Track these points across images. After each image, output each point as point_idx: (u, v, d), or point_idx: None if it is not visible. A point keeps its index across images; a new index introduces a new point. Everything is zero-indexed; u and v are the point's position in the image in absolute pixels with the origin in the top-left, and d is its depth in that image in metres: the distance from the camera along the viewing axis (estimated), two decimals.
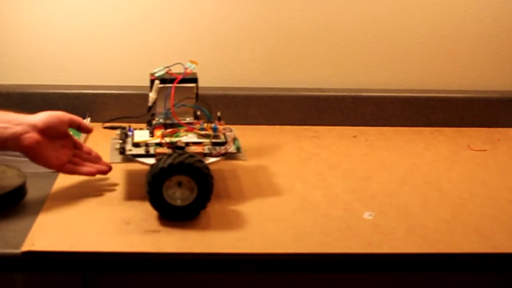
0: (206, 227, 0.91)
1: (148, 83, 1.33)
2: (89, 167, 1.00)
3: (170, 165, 0.89)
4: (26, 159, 1.06)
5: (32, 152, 0.93)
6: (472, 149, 1.25)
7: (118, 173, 1.06)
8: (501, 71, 1.39)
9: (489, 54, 1.37)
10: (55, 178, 1.04)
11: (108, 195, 1.00)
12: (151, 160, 0.95)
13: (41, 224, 0.90)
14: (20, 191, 0.96)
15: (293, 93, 1.33)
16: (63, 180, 1.04)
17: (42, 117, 0.94)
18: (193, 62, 1.04)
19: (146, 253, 0.85)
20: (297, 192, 1.04)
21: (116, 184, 1.03)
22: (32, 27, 1.28)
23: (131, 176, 1.06)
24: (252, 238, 0.89)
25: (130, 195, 1.00)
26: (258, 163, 1.13)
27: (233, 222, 0.93)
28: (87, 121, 1.25)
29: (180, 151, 0.91)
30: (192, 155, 0.90)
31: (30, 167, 1.05)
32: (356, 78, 1.37)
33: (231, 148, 1.00)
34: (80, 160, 1.00)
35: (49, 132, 0.94)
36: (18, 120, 0.92)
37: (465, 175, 1.13)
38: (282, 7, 1.31)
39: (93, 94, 1.29)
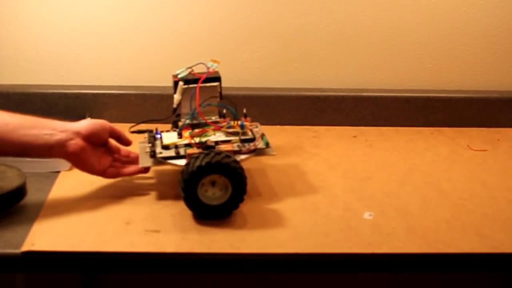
0: (206, 227, 0.91)
1: (148, 83, 1.33)
2: (130, 167, 1.02)
3: (199, 166, 0.89)
4: (26, 159, 1.06)
5: (76, 159, 0.95)
6: (472, 149, 1.25)
7: None
8: (501, 71, 1.39)
9: (489, 54, 1.37)
10: (55, 178, 1.04)
11: (108, 195, 1.00)
12: (182, 162, 0.96)
13: (41, 224, 0.90)
14: (20, 191, 0.96)
15: (293, 93, 1.33)
16: (63, 180, 1.04)
17: (85, 125, 0.96)
18: (215, 61, 1.04)
19: (146, 253, 0.85)
20: (297, 192, 1.04)
21: (116, 184, 1.03)
22: (32, 27, 1.28)
23: (131, 176, 1.06)
24: (252, 238, 0.89)
25: (131, 195, 1.00)
26: (258, 164, 1.12)
27: (233, 222, 0.93)
28: None
29: (214, 151, 0.92)
30: (227, 155, 0.91)
31: (30, 167, 1.05)
32: (356, 78, 1.37)
33: (260, 144, 1.00)
34: (120, 163, 1.02)
35: (92, 139, 0.96)
36: (63, 127, 0.94)
37: (465, 175, 1.13)
38: (282, 7, 1.30)
39: (93, 94, 1.29)
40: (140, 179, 1.05)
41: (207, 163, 0.89)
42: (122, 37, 1.30)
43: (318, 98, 1.33)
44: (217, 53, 1.32)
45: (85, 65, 1.32)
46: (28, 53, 1.30)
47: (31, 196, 0.98)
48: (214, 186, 0.92)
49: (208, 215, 0.92)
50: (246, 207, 0.97)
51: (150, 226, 0.91)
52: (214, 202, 0.92)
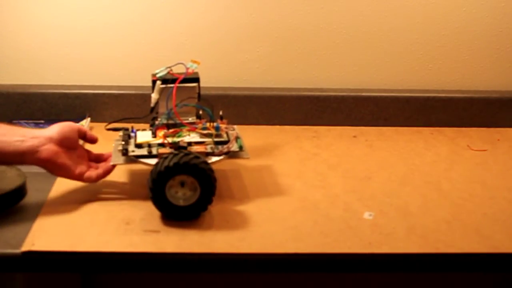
0: (206, 227, 0.91)
1: (148, 83, 1.33)
2: (100, 169, 0.99)
3: (167, 167, 0.89)
4: None
5: (51, 164, 0.93)
6: (472, 149, 1.25)
7: (118, 173, 1.06)
8: (501, 71, 1.39)
9: (489, 54, 1.37)
10: (55, 178, 1.04)
11: (108, 195, 1.00)
12: (154, 161, 0.95)
13: (41, 224, 0.90)
14: (20, 191, 0.96)
15: (293, 93, 1.33)
16: (63, 180, 1.04)
17: (55, 129, 0.95)
18: (194, 61, 1.04)
19: (146, 253, 0.85)
20: (297, 192, 1.04)
21: (116, 184, 1.03)
22: (32, 27, 1.28)
23: (131, 176, 1.06)
24: (252, 238, 0.89)
25: (131, 195, 1.00)
26: (258, 163, 1.13)
27: (233, 222, 0.93)
28: (87, 121, 1.25)
29: (184, 151, 0.92)
30: (196, 156, 0.91)
31: (30, 167, 1.05)
32: (356, 78, 1.37)
33: (234, 147, 1.00)
34: (94, 168, 1.00)
35: (64, 142, 0.95)
36: (33, 133, 0.92)
37: (465, 175, 1.13)
38: (282, 7, 1.31)
39: (93, 94, 1.29)
40: (140, 179, 1.05)
41: (175, 164, 0.89)
42: (122, 37, 1.30)
43: (318, 98, 1.33)
44: (217, 53, 1.32)
45: (85, 65, 1.32)
46: (28, 53, 1.30)
47: (31, 196, 0.98)
48: (184, 187, 0.91)
49: (176, 215, 0.92)
50: (245, 207, 0.97)
51: (150, 226, 0.91)
52: (182, 203, 0.91)
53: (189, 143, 0.99)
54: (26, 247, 0.84)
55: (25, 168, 1.02)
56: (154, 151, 0.98)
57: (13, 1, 1.27)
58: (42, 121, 1.26)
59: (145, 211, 0.95)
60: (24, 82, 1.31)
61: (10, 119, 1.26)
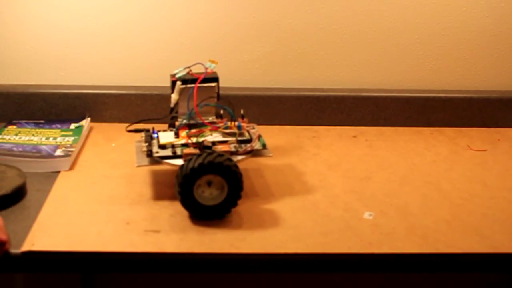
0: (206, 227, 0.91)
1: (148, 83, 1.33)
2: None
3: (192, 169, 0.89)
4: (26, 159, 1.07)
5: None
6: (472, 149, 1.25)
7: (118, 173, 1.07)
8: (501, 71, 1.39)
9: (489, 54, 1.37)
10: (55, 178, 1.04)
11: (108, 195, 1.00)
12: (179, 161, 0.96)
13: (41, 224, 0.90)
14: (20, 191, 0.96)
15: (293, 93, 1.33)
16: (63, 180, 1.04)
17: None
18: (212, 61, 1.04)
19: (146, 253, 0.85)
20: (297, 192, 1.04)
21: (116, 184, 1.03)
22: (32, 27, 1.28)
23: (131, 176, 1.06)
24: (252, 238, 0.89)
25: (130, 195, 1.00)
26: (258, 163, 1.12)
27: (232, 222, 0.93)
28: (87, 121, 1.25)
29: (208, 151, 0.92)
30: (220, 154, 0.91)
31: (30, 167, 1.05)
32: (356, 78, 1.37)
33: (257, 145, 1.00)
34: None
35: None
36: None
37: (465, 175, 1.13)
38: (282, 7, 1.30)
39: (93, 94, 1.29)
40: (140, 179, 1.05)
41: (199, 165, 0.89)
42: (122, 37, 1.30)
43: (318, 98, 1.33)
44: (217, 53, 1.32)
45: (85, 65, 1.32)
46: (28, 53, 1.30)
47: (31, 196, 0.98)
48: (211, 186, 0.92)
49: (206, 215, 0.92)
50: (246, 207, 0.97)
51: (150, 226, 0.91)
52: (211, 202, 0.92)
53: (213, 143, 0.99)
54: (26, 247, 0.84)
55: (25, 168, 1.03)
56: (178, 151, 0.98)
57: (13, 1, 1.27)
58: (42, 121, 1.26)
59: (145, 211, 0.95)
60: (24, 82, 1.31)
61: (10, 119, 1.26)
